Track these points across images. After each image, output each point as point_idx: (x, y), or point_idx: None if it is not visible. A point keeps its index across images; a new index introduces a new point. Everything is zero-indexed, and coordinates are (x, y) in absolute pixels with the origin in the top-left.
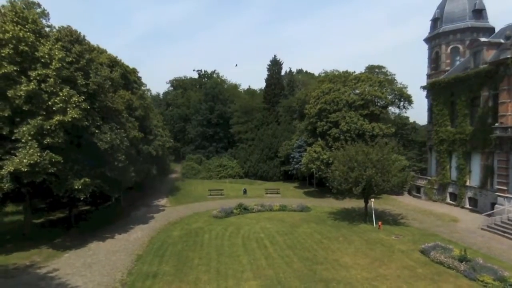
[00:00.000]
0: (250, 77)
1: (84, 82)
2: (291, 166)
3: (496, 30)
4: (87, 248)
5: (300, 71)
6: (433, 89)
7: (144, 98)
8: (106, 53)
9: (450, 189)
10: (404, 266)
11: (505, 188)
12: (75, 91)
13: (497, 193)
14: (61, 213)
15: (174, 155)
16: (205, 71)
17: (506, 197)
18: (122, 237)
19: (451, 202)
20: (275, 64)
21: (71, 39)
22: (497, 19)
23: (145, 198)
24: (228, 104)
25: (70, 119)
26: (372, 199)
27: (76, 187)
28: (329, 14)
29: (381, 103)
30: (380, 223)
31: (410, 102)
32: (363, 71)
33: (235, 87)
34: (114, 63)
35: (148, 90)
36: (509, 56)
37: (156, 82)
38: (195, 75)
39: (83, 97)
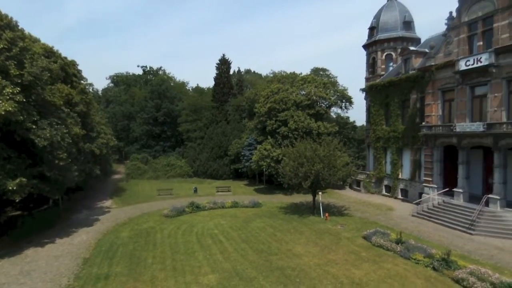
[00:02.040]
0: (198, 75)
1: (18, 73)
2: (241, 164)
3: (422, 41)
4: (23, 255)
5: (248, 71)
6: (371, 91)
7: (85, 93)
8: (39, 42)
9: (385, 182)
10: (350, 251)
11: (430, 179)
12: (8, 82)
13: (424, 184)
14: None
15: (117, 155)
16: (150, 68)
17: (431, 187)
18: (64, 241)
19: (386, 193)
20: (223, 63)
21: (1, 24)
22: (422, 31)
23: (87, 200)
24: (176, 102)
25: (3, 112)
26: (320, 193)
27: (10, 188)
28: (275, 17)
29: (325, 103)
30: (327, 214)
31: (350, 103)
32: (308, 72)
33: (182, 85)
34: (50, 53)
35: (90, 84)
36: (432, 63)
37: (91, 78)
38: (139, 71)
39: (18, 89)
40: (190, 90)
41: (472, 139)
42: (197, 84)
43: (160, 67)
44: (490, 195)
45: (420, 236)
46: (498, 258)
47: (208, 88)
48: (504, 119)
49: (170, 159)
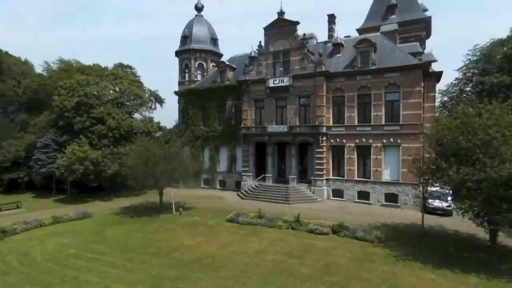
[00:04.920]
0: None
1: None
2: (24, 172)
3: (227, 56)
4: None
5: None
6: (189, 95)
7: None
8: None
9: (204, 176)
10: (231, 232)
11: (247, 169)
12: None
13: (242, 174)
14: None
15: None
16: None
17: (248, 175)
18: None
19: (205, 186)
20: None
21: None
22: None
23: None
24: None
25: None
26: (172, 190)
27: None
28: None
29: (139, 101)
30: (180, 209)
31: (161, 103)
32: (111, 67)
33: None
34: None
35: None
36: (248, 78)
37: None
38: None
39: None
40: None
41: (278, 137)
42: None
43: None
44: (290, 176)
45: (263, 210)
46: (314, 214)
47: None
48: (297, 123)
49: None
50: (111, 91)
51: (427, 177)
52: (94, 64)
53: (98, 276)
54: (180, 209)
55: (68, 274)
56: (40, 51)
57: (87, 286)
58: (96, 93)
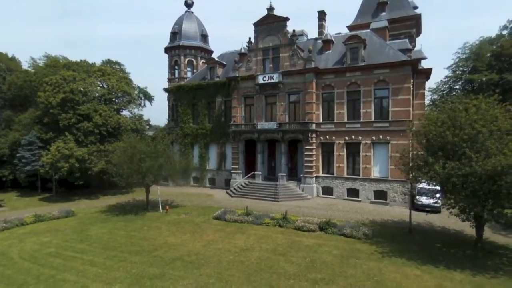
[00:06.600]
0: None
1: None
2: (8, 170)
3: (217, 53)
4: None
5: None
6: (178, 92)
7: None
8: None
9: (193, 174)
10: (217, 230)
11: (237, 166)
12: None
13: (232, 171)
14: None
15: None
16: None
17: (238, 173)
18: None
19: (194, 184)
20: None
21: None
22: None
23: None
24: None
25: None
26: (159, 188)
27: None
28: None
29: (127, 98)
30: (167, 207)
31: (150, 101)
32: (99, 63)
33: None
34: None
35: None
36: (237, 75)
37: None
38: None
39: None
40: None
41: (267, 134)
42: None
43: None
44: (280, 173)
45: (251, 208)
46: (302, 212)
47: None
48: (287, 120)
49: None
50: (99, 88)
51: (414, 173)
52: (81, 60)
53: (76, 275)
54: (167, 207)
55: (45, 273)
56: (29, 49)
57: (63, 285)
58: (82, 89)
